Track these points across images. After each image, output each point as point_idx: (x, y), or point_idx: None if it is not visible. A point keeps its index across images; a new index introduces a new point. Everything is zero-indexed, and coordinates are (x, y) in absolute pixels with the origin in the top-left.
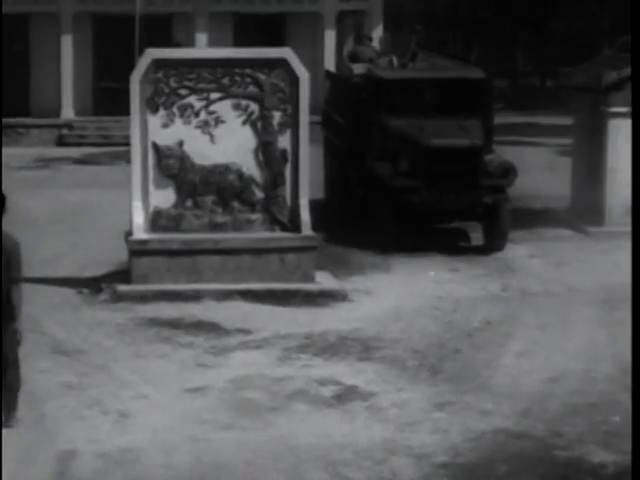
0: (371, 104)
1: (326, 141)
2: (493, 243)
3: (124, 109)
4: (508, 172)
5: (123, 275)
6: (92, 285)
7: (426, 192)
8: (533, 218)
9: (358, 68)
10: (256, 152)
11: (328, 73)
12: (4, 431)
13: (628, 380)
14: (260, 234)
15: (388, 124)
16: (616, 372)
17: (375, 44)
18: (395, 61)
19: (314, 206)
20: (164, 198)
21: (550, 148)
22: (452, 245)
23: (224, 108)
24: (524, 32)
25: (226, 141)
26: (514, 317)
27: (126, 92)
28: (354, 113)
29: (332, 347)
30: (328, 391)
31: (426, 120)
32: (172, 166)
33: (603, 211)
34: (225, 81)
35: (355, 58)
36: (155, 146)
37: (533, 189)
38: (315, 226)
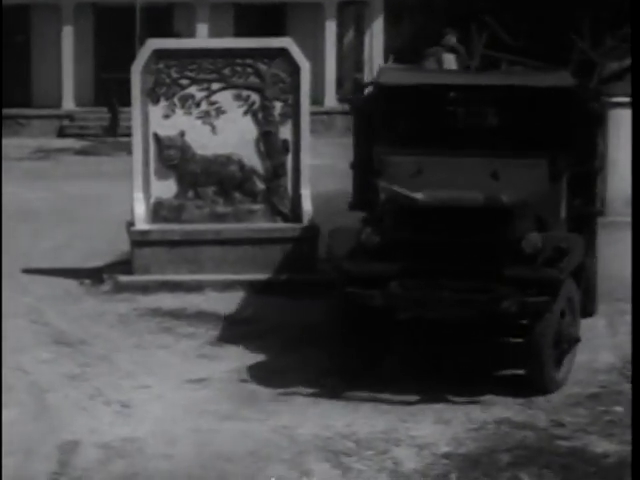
0: (370, 131)
1: None
2: (531, 378)
3: (125, 100)
4: (562, 255)
5: (125, 266)
6: (94, 276)
7: (398, 286)
8: None
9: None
10: (257, 142)
11: None
12: (6, 422)
13: (630, 370)
14: (261, 225)
15: (384, 163)
16: (618, 362)
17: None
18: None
19: None
20: (165, 189)
21: None
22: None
23: (225, 98)
24: (525, 24)
25: (227, 131)
26: None
27: (127, 83)
28: (355, 151)
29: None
30: (330, 381)
31: (443, 157)
32: (173, 157)
33: (605, 202)
34: (226, 71)
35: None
36: (156, 137)
37: None
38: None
